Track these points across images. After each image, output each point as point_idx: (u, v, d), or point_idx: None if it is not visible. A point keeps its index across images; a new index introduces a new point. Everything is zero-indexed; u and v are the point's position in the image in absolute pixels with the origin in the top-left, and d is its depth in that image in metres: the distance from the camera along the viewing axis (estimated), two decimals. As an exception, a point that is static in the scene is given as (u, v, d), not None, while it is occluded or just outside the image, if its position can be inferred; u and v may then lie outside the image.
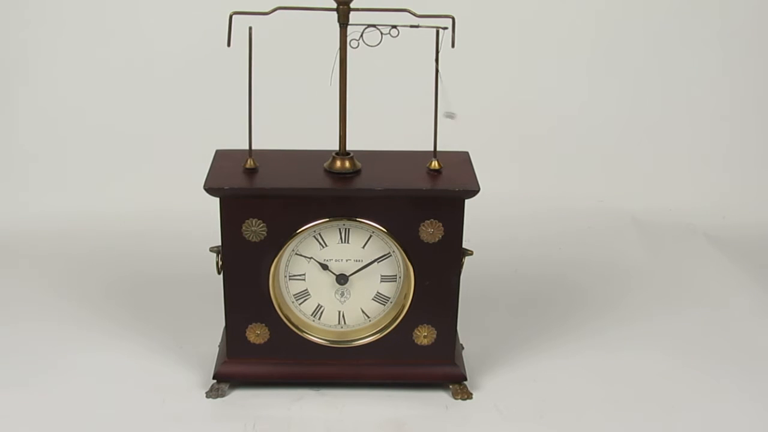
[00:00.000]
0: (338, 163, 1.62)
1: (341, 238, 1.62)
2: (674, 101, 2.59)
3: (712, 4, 2.53)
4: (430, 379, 1.69)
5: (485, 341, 1.86)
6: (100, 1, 2.47)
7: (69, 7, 2.47)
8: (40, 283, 2.07)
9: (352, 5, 1.55)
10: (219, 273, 1.63)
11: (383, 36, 1.53)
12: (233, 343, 1.67)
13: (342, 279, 1.64)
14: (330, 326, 1.68)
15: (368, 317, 1.68)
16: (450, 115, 1.59)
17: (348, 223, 1.60)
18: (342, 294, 1.66)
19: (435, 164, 1.62)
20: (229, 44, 1.54)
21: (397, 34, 1.53)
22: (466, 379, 1.69)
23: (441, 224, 1.59)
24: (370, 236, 1.62)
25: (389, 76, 2.41)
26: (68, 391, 1.68)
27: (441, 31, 1.55)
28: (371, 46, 1.54)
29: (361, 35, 1.54)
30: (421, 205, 1.58)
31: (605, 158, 2.58)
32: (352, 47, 1.56)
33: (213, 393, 1.67)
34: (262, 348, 1.67)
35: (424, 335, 1.67)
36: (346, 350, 1.68)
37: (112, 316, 1.94)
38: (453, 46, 1.56)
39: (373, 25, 1.53)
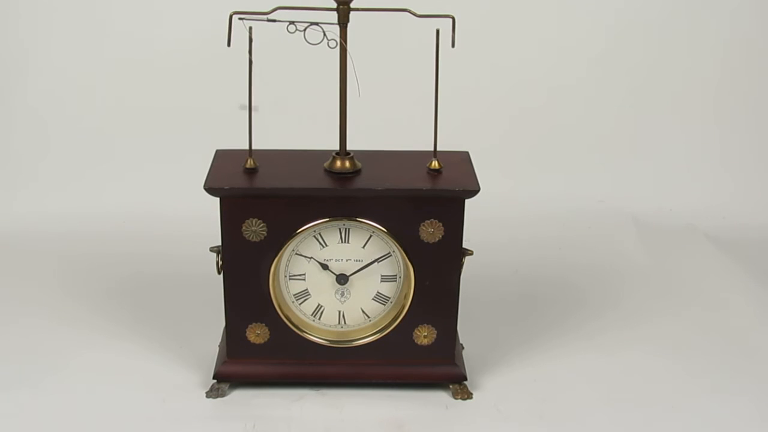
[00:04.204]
0: (338, 163, 1.62)
1: (341, 238, 1.62)
2: (674, 101, 2.59)
3: (714, 4, 2.54)
4: (430, 379, 1.69)
5: (485, 341, 1.86)
6: (100, 1, 2.47)
7: (68, 6, 2.47)
8: (41, 284, 2.07)
9: (351, 5, 1.55)
10: (219, 273, 1.64)
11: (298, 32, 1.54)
12: (233, 343, 1.67)
13: (342, 279, 1.64)
14: (330, 326, 1.69)
15: (368, 317, 1.68)
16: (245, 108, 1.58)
17: (348, 223, 1.60)
18: (342, 294, 1.66)
19: (435, 164, 1.62)
20: (229, 44, 1.54)
21: (294, 31, 1.53)
22: (466, 379, 1.69)
23: (441, 224, 1.59)
24: (371, 236, 1.62)
25: (389, 76, 2.41)
26: (69, 391, 1.68)
27: (441, 31, 1.55)
28: (313, 44, 1.55)
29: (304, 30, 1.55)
30: (421, 205, 1.58)
31: (606, 159, 2.58)
32: (330, 48, 1.56)
33: (213, 393, 1.67)
34: (262, 348, 1.67)
35: (424, 335, 1.67)
36: (347, 350, 1.68)
37: (112, 316, 1.94)
38: (453, 46, 1.57)
39: (293, 22, 1.54)
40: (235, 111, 1.60)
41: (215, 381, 1.68)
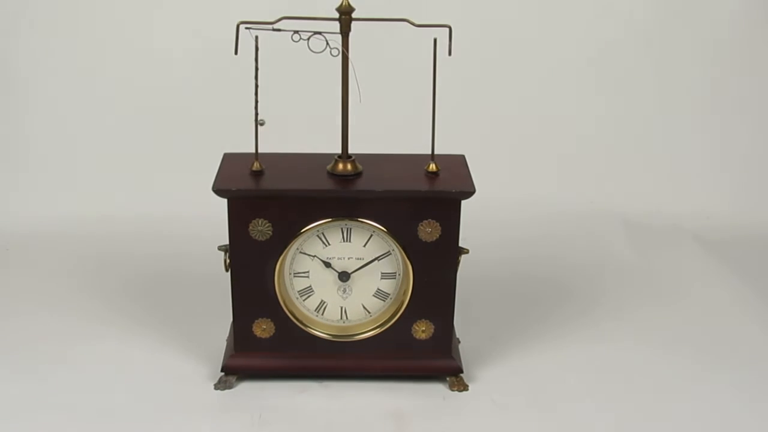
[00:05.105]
0: (340, 166, 1.64)
1: (343, 237, 1.64)
2: (663, 104, 2.59)
3: (699, 9, 2.54)
4: (428, 372, 1.71)
5: (480, 336, 1.88)
6: (111, 9, 2.48)
7: (80, 12, 2.47)
8: (59, 282, 2.09)
9: (353, 15, 1.57)
10: (227, 271, 1.66)
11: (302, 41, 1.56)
12: (240, 337, 1.69)
13: (344, 276, 1.66)
14: (333, 321, 1.71)
15: (369, 313, 1.70)
16: (261, 122, 1.60)
17: (350, 223, 1.62)
18: (344, 290, 1.68)
19: (433, 167, 1.64)
20: (236, 52, 1.56)
21: (298, 40, 1.56)
22: (462, 372, 1.71)
23: (438, 224, 1.61)
24: (371, 235, 1.64)
25: (389, 83, 2.41)
26: (85, 381, 1.71)
27: (437, 39, 1.57)
28: (316, 52, 1.57)
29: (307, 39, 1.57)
30: (419, 205, 1.60)
31: (596, 161, 2.58)
32: (332, 56, 1.58)
33: (221, 385, 1.69)
34: (267, 342, 1.69)
35: (422, 330, 1.70)
36: (348, 344, 1.70)
37: (127, 311, 1.96)
38: (450, 54, 1.59)
39: (297, 32, 1.57)
40: (251, 121, 1.62)
41: (223, 373, 1.70)
